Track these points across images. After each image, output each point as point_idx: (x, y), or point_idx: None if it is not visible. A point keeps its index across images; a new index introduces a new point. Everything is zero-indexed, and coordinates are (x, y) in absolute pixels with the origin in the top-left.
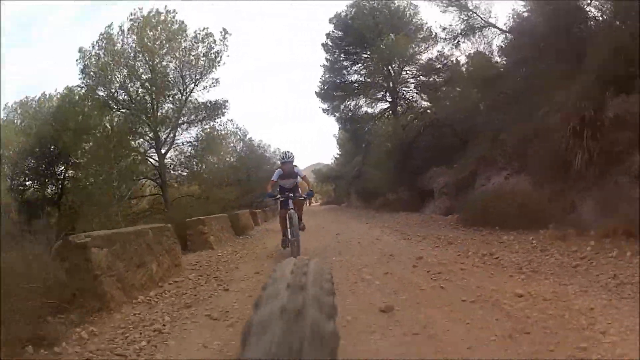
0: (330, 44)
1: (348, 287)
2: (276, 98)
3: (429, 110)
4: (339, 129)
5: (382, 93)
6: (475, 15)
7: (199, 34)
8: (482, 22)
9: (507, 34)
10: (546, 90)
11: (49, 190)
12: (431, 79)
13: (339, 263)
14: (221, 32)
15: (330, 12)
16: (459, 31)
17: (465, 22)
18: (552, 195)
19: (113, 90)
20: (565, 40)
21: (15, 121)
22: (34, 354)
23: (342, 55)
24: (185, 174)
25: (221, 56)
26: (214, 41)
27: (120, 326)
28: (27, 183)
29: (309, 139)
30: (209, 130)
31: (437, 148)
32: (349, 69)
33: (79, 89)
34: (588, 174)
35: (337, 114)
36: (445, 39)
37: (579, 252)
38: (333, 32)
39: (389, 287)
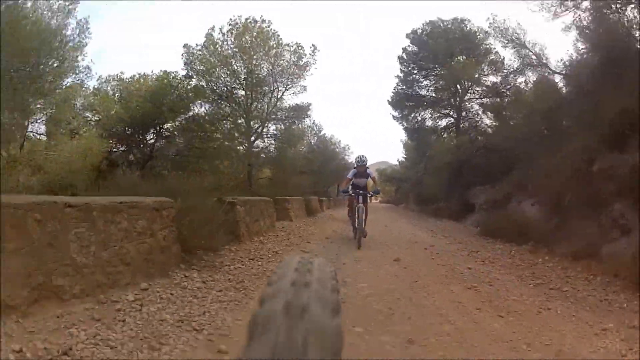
0: (405, 57)
1: (382, 251)
2: (352, 100)
3: (488, 130)
4: (406, 136)
5: (448, 110)
6: (531, 54)
7: (292, 45)
8: (536, 61)
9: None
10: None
11: (136, 155)
12: (495, 101)
13: (382, 243)
14: (311, 47)
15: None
16: (515, 68)
17: (520, 60)
18: (548, 223)
19: (212, 83)
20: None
21: (110, 92)
22: (205, 255)
23: (415, 69)
24: (268, 160)
25: (309, 68)
26: (304, 54)
27: (249, 249)
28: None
29: (378, 137)
30: (289, 125)
31: (485, 168)
32: (420, 82)
33: (174, 73)
34: (576, 213)
35: (405, 123)
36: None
37: (531, 261)
38: (409, 46)
39: (404, 254)
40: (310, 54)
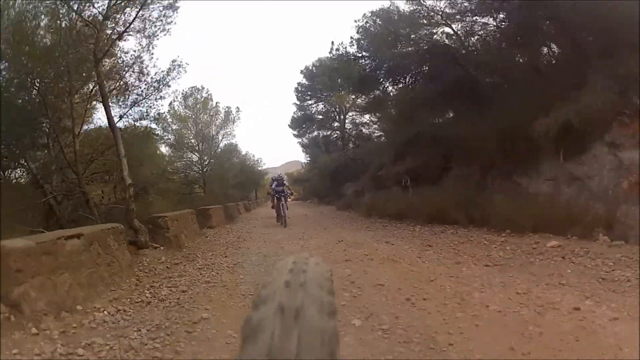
0: (300, 88)
1: (296, 225)
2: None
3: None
4: (302, 150)
5: (335, 125)
6: None
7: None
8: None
9: None
10: None
11: None
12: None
13: (296, 223)
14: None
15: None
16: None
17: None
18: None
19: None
20: None
21: None
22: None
23: (308, 96)
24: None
25: (236, 122)
26: (231, 112)
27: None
28: None
29: (288, 140)
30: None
31: (350, 172)
32: (312, 107)
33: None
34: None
35: (303, 139)
36: None
37: (367, 219)
38: (302, 81)
39: (304, 217)
40: (235, 112)
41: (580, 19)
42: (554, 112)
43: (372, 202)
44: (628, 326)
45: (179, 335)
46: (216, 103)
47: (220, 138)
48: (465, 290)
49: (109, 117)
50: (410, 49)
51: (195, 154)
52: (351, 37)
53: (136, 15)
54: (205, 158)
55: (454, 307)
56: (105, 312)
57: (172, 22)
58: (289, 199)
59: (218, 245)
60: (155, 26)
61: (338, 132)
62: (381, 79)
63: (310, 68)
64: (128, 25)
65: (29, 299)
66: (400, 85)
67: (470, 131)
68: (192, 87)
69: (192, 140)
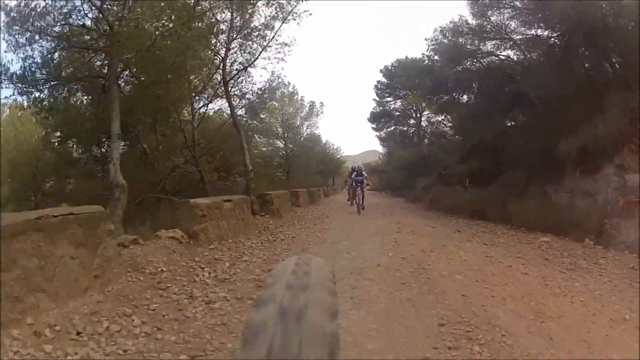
0: (380, 86)
1: (370, 212)
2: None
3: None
4: (380, 144)
5: (411, 122)
6: None
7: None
8: None
9: None
10: None
11: None
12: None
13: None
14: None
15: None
16: None
17: None
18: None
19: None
20: None
21: None
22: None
23: (387, 93)
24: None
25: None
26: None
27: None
28: None
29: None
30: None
31: (423, 167)
32: (391, 103)
33: None
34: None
35: (381, 133)
36: None
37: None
38: (382, 79)
39: (376, 206)
40: (319, 107)
41: (613, 50)
42: (574, 135)
43: (435, 196)
44: (534, 279)
45: (297, 252)
46: (301, 97)
47: (304, 129)
48: (449, 247)
49: (235, 122)
50: (472, 65)
51: (281, 140)
52: (424, 49)
53: (259, 54)
54: (290, 145)
55: (439, 253)
56: (249, 243)
57: (286, 56)
58: (365, 189)
59: (307, 219)
60: (272, 62)
61: (414, 128)
62: (450, 87)
63: (390, 68)
64: (253, 60)
65: (206, 231)
66: (465, 97)
67: (517, 143)
68: (279, 82)
69: (279, 129)
